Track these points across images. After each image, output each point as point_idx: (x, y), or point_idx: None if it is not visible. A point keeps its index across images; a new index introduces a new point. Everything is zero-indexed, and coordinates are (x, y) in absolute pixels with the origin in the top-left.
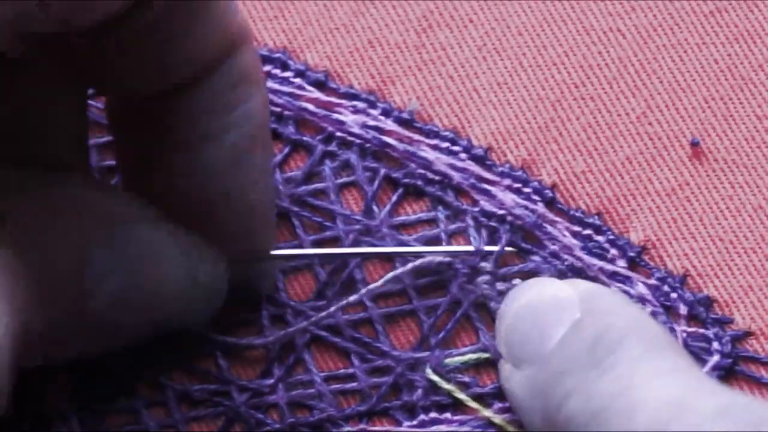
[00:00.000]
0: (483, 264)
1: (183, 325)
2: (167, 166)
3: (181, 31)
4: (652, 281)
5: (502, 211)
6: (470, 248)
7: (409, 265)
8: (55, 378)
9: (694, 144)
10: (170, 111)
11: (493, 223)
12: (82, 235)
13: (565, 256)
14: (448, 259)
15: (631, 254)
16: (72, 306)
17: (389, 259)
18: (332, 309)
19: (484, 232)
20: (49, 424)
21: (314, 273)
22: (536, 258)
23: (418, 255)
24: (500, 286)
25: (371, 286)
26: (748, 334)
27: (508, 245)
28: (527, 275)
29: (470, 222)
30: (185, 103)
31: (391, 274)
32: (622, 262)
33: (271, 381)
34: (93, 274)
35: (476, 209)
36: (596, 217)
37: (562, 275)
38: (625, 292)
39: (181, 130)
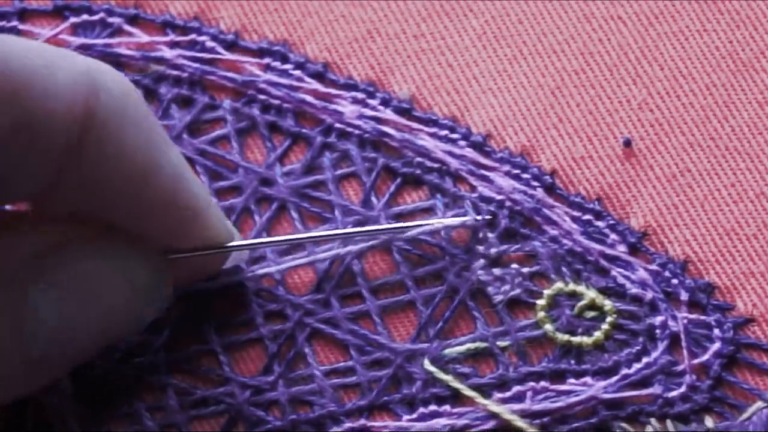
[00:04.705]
0: (479, 247)
1: (134, 330)
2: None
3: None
4: (653, 267)
5: (500, 197)
6: (454, 220)
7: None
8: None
9: (627, 144)
10: None
11: (492, 209)
12: (17, 281)
13: (565, 241)
14: (442, 224)
15: (632, 240)
16: (15, 349)
17: (387, 247)
18: None
19: (482, 217)
20: (50, 425)
21: (313, 266)
22: (535, 242)
23: (399, 231)
24: (497, 271)
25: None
26: (749, 320)
27: (506, 229)
28: (525, 259)
29: (468, 209)
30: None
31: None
32: (622, 248)
33: (272, 378)
34: (32, 316)
35: (474, 195)
36: (596, 202)
37: (561, 259)
38: (626, 276)
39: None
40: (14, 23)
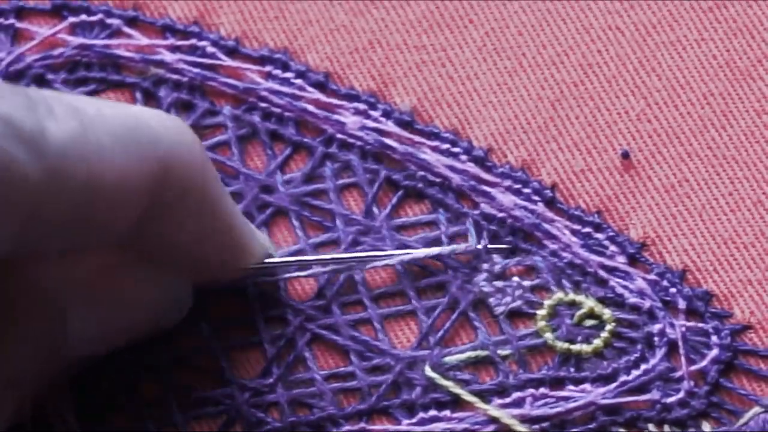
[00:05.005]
0: (482, 264)
1: (156, 331)
2: None
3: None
4: (652, 276)
5: (501, 214)
6: (461, 246)
7: (406, 257)
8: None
9: (625, 156)
10: None
11: (493, 227)
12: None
13: (565, 254)
14: (446, 250)
15: (631, 251)
16: (54, 355)
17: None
18: None
19: (485, 236)
20: (48, 424)
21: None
22: (536, 257)
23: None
24: (498, 284)
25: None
26: (747, 327)
27: (507, 246)
28: (526, 272)
29: (470, 227)
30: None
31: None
32: (621, 259)
33: (271, 380)
34: (74, 331)
35: (477, 212)
36: (596, 214)
37: (561, 272)
38: (625, 287)
39: None
40: (11, 21)
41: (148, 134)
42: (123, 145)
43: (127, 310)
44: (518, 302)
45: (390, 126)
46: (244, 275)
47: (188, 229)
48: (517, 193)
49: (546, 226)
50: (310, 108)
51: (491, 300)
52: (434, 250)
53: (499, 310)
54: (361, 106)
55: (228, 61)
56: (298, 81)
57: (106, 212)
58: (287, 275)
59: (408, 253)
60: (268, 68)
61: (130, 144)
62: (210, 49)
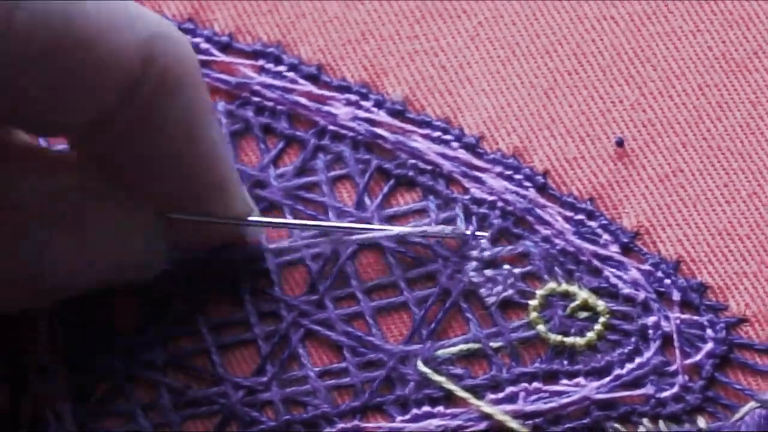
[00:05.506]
0: (472, 252)
1: (132, 280)
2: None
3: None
4: (646, 267)
5: (492, 198)
6: (445, 228)
7: (394, 231)
8: (55, 378)
9: (619, 144)
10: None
11: (483, 210)
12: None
13: (557, 241)
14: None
15: (624, 240)
16: (27, 283)
17: (380, 249)
18: None
19: (474, 220)
20: (46, 424)
21: (307, 267)
22: (527, 242)
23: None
24: (489, 272)
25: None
26: (742, 320)
27: (498, 230)
28: (517, 259)
29: (459, 212)
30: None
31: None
32: (615, 248)
33: (265, 378)
34: (47, 257)
35: (467, 197)
36: (589, 202)
37: (553, 259)
38: (618, 276)
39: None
40: None
41: (138, 11)
42: (108, 10)
43: (93, 239)
44: (510, 291)
45: (381, 116)
46: (223, 237)
47: (171, 134)
48: (509, 179)
49: (538, 211)
50: (302, 100)
51: (482, 290)
52: (418, 228)
53: (491, 300)
54: (353, 97)
55: (221, 57)
56: (291, 74)
57: (87, 70)
58: (271, 246)
59: (392, 229)
60: (261, 62)
61: (116, 11)
62: (204, 45)
